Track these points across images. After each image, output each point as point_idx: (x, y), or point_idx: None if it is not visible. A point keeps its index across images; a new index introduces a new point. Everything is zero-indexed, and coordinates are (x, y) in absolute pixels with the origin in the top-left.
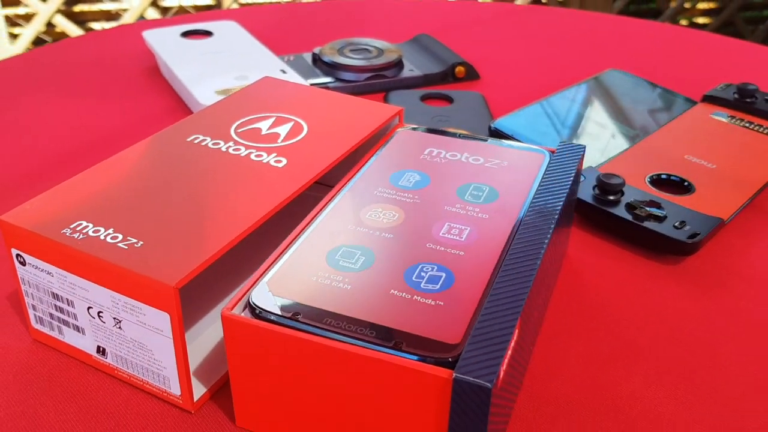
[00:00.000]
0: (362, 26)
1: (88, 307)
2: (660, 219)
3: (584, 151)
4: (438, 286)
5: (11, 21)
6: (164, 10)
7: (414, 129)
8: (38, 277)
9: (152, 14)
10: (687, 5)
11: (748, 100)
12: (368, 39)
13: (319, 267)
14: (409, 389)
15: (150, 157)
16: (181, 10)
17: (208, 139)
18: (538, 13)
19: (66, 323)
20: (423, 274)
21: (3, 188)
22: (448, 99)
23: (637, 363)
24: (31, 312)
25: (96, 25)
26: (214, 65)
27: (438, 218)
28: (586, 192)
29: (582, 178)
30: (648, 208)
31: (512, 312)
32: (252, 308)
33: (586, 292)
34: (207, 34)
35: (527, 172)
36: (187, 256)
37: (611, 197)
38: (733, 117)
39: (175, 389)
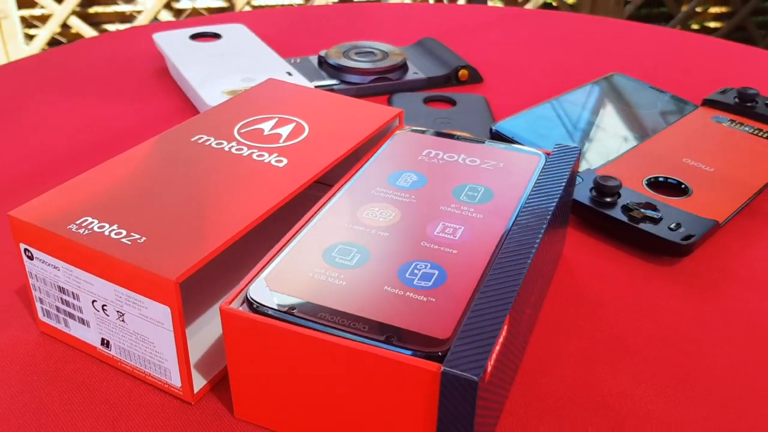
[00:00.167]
0: (369, 30)
1: (93, 301)
2: (655, 221)
3: (579, 153)
4: (431, 283)
5: (27, 22)
6: (178, 12)
7: (413, 131)
8: (45, 271)
9: (166, 16)
10: (698, 9)
11: (748, 104)
12: (373, 42)
13: (315, 264)
14: (400, 382)
15: (155, 156)
16: (195, 12)
17: (212, 139)
18: (542, 17)
19: (72, 316)
20: (416, 271)
21: (14, 185)
22: (451, 102)
23: (629, 362)
24: (38, 305)
25: (111, 27)
26: (221, 67)
27: (433, 217)
28: (584, 194)
29: (579, 180)
30: (643, 210)
31: (501, 309)
32: (249, 303)
33: (581, 292)
34: (215, 36)
35: (522, 174)
36: (188, 251)
37: (608, 199)
38: (733, 121)
39: (175, 381)
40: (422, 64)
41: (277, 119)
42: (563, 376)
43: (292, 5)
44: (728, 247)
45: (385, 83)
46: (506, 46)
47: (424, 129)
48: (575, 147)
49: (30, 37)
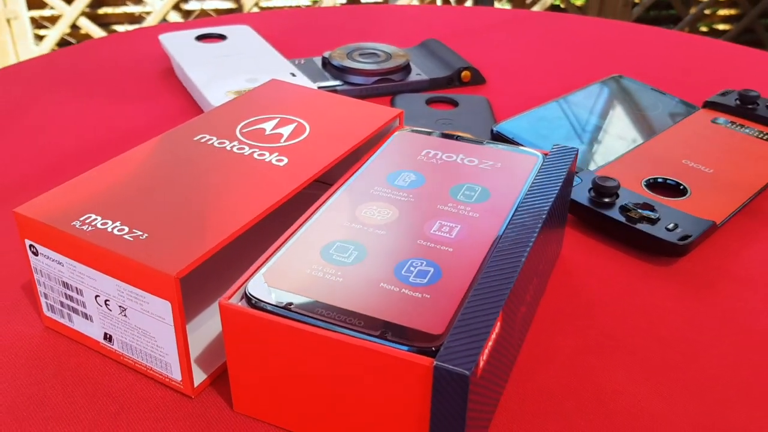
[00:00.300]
0: (376, 31)
1: (96, 296)
2: (653, 221)
3: (576, 153)
4: (426, 280)
5: (37, 23)
6: (186, 14)
7: (413, 131)
8: (50, 267)
9: (175, 17)
10: (707, 11)
11: (749, 106)
12: (377, 44)
13: (313, 260)
14: (394, 376)
15: (157, 154)
16: (203, 14)
17: (214, 138)
18: (547, 20)
19: (75, 311)
20: (412, 268)
21: (22, 183)
22: (453, 103)
23: (623, 359)
24: (43, 300)
25: (120, 28)
26: (226, 68)
27: (430, 216)
28: (582, 194)
29: (579, 181)
30: (641, 211)
31: (495, 305)
32: (248, 298)
33: (578, 291)
34: (221, 37)
35: (520, 174)
36: (189, 248)
37: (606, 199)
38: (734, 123)
39: (176, 375)
40: (425, 66)
41: (278, 119)
42: (558, 373)
43: (299, 6)
44: (726, 247)
45: (387, 84)
46: (510, 48)
47: (423, 129)
48: (572, 148)
49: (40, 38)
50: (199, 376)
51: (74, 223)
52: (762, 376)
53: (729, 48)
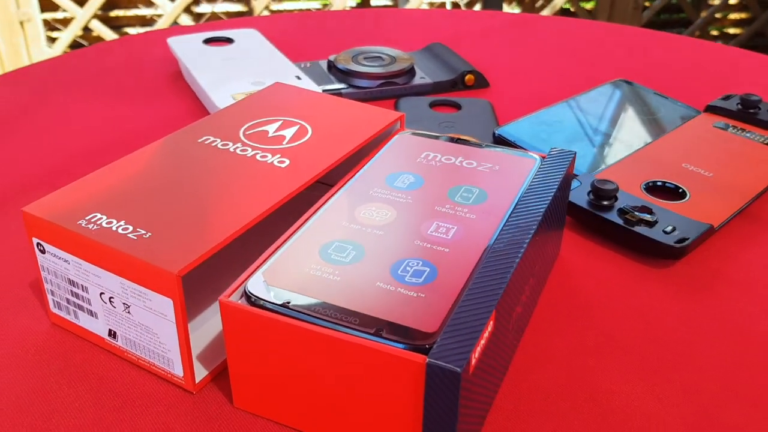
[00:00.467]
0: (383, 35)
1: (101, 293)
2: (650, 224)
3: (574, 156)
4: (421, 280)
5: (50, 25)
6: (197, 16)
7: (414, 134)
8: (56, 265)
9: (186, 20)
10: (718, 15)
11: (751, 110)
12: (381, 47)
13: (312, 260)
14: (388, 373)
15: (162, 156)
16: (213, 16)
17: (218, 140)
18: (552, 24)
19: (81, 308)
20: (408, 268)
21: (32, 183)
22: (457, 106)
23: (618, 360)
24: (49, 297)
25: (131, 30)
26: (232, 71)
27: (428, 217)
28: (582, 197)
29: (578, 184)
30: (639, 213)
31: (488, 304)
32: (248, 296)
33: (575, 292)
34: (228, 41)
35: (517, 176)
36: (191, 246)
37: (605, 202)
38: (735, 127)
39: (178, 371)
40: (429, 69)
41: (281, 122)
42: (553, 373)
43: (309, 10)
44: (724, 250)
45: (392, 87)
46: (515, 51)
47: (424, 132)
48: (570, 151)
49: (52, 40)
50: (200, 372)
51: (80, 222)
52: (756, 379)
53: (734, 52)
